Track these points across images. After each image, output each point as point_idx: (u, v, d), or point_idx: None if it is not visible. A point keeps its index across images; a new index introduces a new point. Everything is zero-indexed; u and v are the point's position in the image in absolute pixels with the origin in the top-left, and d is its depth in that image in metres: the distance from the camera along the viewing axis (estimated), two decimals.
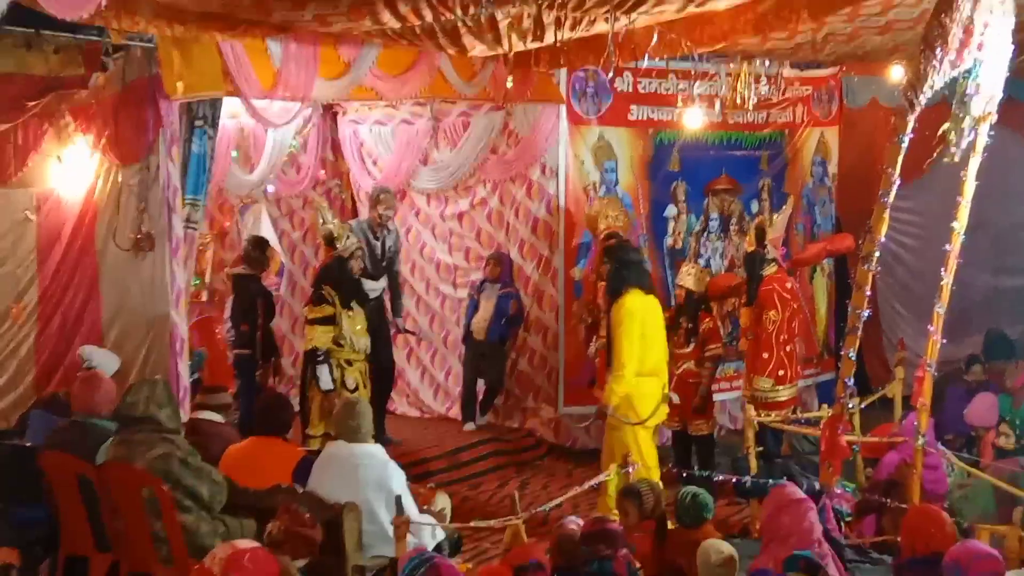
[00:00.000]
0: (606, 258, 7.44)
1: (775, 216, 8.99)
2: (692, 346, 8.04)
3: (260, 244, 8.62)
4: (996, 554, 4.35)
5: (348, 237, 7.91)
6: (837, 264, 10.49)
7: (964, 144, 5.80)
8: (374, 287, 8.56)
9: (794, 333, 8.17)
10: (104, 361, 6.71)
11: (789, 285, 8.13)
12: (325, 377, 7.59)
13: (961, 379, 8.90)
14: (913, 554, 4.63)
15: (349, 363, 7.74)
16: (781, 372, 7.91)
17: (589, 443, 8.76)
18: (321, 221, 8.09)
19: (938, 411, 7.32)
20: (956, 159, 5.84)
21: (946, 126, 5.79)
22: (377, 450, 5.69)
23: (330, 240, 7.95)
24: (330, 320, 7.65)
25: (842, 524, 6.35)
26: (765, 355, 7.89)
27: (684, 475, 7.11)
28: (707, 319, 8.14)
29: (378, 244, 8.72)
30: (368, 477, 5.51)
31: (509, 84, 7.61)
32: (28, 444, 5.98)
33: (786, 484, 5.15)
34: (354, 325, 7.73)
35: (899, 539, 5.03)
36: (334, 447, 5.77)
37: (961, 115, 5.73)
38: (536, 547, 5.23)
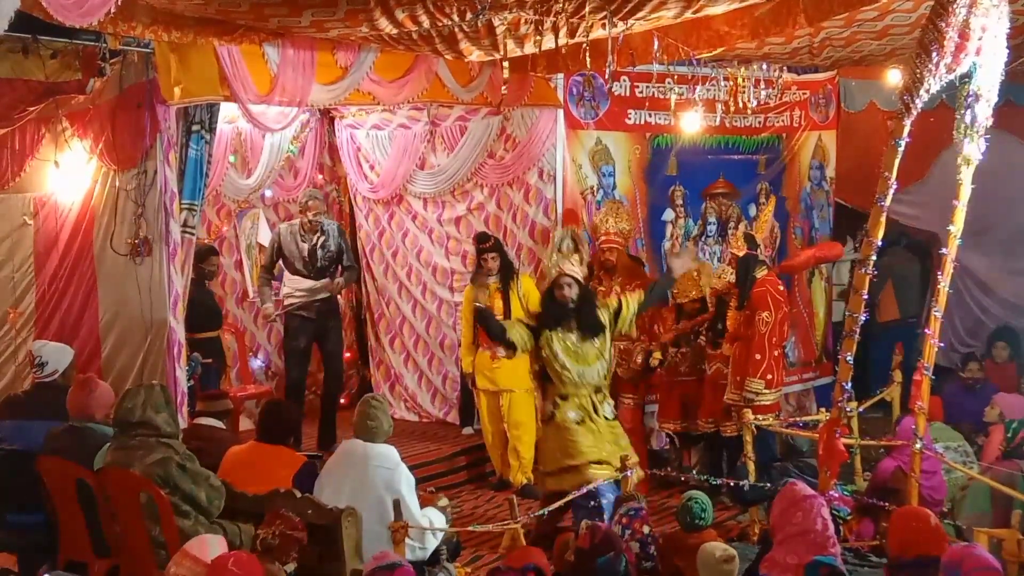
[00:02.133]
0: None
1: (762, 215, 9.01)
2: (722, 348, 8.11)
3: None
4: (998, 566, 4.34)
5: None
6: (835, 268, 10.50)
7: (972, 149, 5.82)
8: (308, 286, 8.60)
9: (784, 336, 8.09)
10: (55, 356, 6.46)
11: (781, 287, 8.08)
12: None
13: (958, 376, 8.92)
14: (902, 556, 4.61)
15: (564, 397, 6.99)
16: (769, 376, 7.83)
17: None
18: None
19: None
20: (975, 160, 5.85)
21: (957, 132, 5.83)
22: (390, 451, 5.70)
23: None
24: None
25: (840, 527, 6.35)
26: (757, 356, 7.79)
27: (683, 479, 7.12)
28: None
29: (305, 246, 8.64)
30: (378, 477, 5.53)
31: (504, 89, 7.60)
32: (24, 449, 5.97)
33: (796, 482, 5.14)
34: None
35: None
36: (349, 444, 5.81)
37: (967, 120, 5.75)
38: (535, 551, 5.22)
